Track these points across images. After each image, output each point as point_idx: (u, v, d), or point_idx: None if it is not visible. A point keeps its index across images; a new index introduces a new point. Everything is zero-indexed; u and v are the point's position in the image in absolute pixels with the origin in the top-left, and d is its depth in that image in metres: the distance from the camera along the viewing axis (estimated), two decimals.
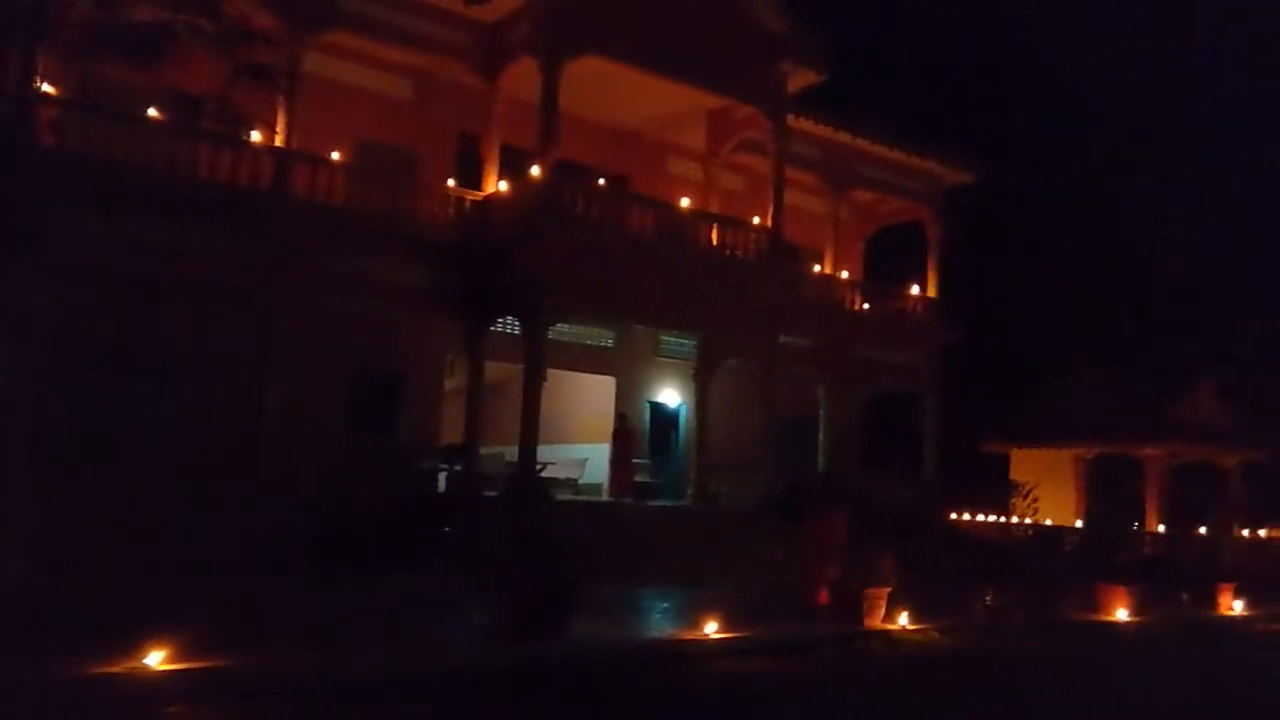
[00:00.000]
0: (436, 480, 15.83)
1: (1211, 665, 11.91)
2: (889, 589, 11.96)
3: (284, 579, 11.44)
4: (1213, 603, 16.28)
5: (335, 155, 15.64)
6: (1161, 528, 23.55)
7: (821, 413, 20.82)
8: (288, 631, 9.00)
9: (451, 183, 16.87)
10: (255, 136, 14.63)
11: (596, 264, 15.88)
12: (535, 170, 15.73)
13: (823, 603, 12.36)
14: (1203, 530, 21.64)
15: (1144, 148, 42.27)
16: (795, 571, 13.61)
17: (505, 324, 16.90)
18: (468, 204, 16.70)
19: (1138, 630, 13.86)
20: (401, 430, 16.76)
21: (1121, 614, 14.36)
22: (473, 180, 17.05)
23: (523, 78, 16.29)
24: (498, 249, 15.88)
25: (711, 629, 10.13)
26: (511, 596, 9.02)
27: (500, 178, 16.86)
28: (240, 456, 13.70)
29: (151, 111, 14.10)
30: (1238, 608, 16.34)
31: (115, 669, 7.05)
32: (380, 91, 17.35)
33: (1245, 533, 23.92)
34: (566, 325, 17.91)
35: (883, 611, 11.88)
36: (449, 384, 18.03)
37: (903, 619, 11.89)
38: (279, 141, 14.96)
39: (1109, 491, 24.15)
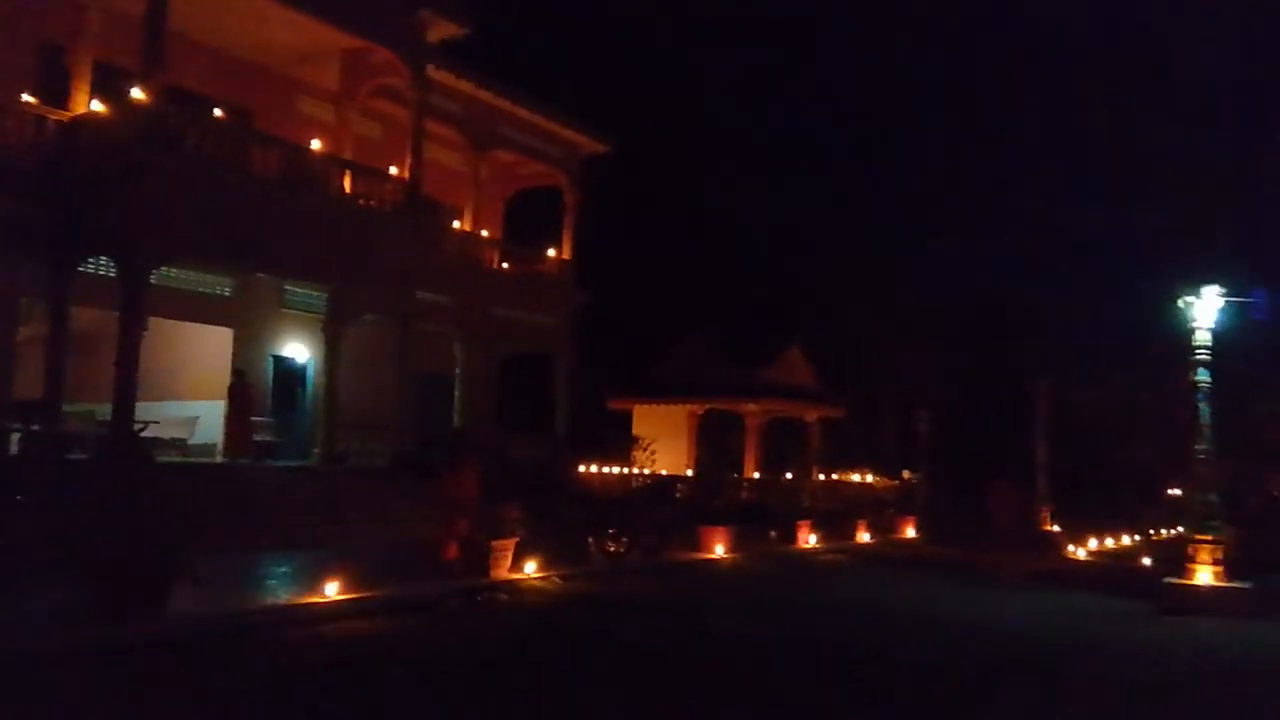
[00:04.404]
0: (7, 442, 13.67)
1: (778, 587, 13.82)
2: (515, 540, 12.38)
3: None
4: (794, 537, 18.75)
5: None
6: (757, 474, 26.60)
7: (458, 371, 20.85)
8: None
9: (29, 98, 14.44)
10: None
11: (210, 204, 14.44)
12: (137, 93, 13.91)
13: (452, 557, 12.47)
14: (788, 476, 24.76)
15: (760, 135, 46.87)
16: (426, 529, 13.59)
17: (98, 265, 14.92)
18: (51, 125, 14.42)
19: (731, 564, 15.60)
20: None
21: (720, 551, 16.07)
22: (58, 99, 14.73)
23: None
24: (89, 179, 14.01)
25: (332, 591, 9.80)
26: (94, 570, 8.02)
27: (94, 99, 14.73)
28: None
29: None
30: (812, 541, 18.97)
31: None
32: None
33: (821, 477, 27.76)
34: (174, 270, 16.20)
35: (509, 562, 12.25)
36: (26, 332, 15.55)
37: (529, 568, 12.36)
38: None
39: (715, 443, 26.78)
